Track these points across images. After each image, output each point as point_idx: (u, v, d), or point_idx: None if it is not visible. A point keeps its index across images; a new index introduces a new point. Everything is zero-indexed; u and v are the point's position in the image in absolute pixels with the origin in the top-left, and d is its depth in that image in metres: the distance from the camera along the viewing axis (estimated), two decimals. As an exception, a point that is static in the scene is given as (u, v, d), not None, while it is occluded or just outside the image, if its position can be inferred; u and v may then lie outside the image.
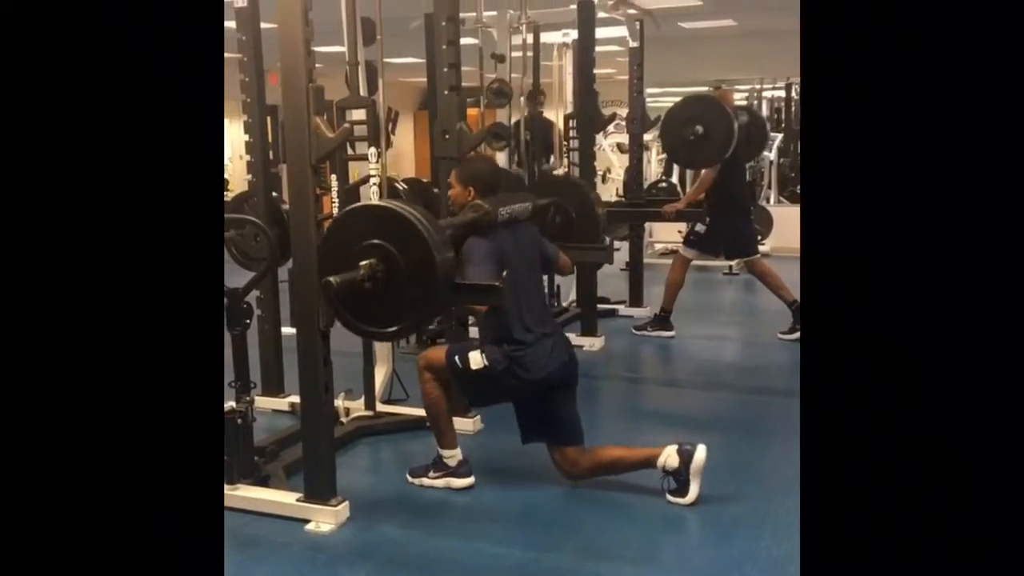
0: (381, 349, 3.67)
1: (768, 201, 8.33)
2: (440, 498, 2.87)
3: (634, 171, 5.67)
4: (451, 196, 2.93)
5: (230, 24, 3.21)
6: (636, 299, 5.64)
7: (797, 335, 4.71)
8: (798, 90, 8.73)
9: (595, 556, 2.48)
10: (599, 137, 6.43)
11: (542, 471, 2.99)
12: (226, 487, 2.71)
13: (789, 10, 1.53)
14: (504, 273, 2.63)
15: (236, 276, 2.89)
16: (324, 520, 2.64)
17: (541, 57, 5.21)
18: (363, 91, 3.28)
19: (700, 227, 4.93)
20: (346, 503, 2.68)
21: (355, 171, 3.41)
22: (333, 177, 3.13)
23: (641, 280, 5.67)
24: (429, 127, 3.49)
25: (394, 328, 2.47)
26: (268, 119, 3.51)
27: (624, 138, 6.49)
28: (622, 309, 5.62)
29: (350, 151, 3.24)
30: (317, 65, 2.54)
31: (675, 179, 7.50)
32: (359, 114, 3.09)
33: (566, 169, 5.26)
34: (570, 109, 5.43)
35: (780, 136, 8.57)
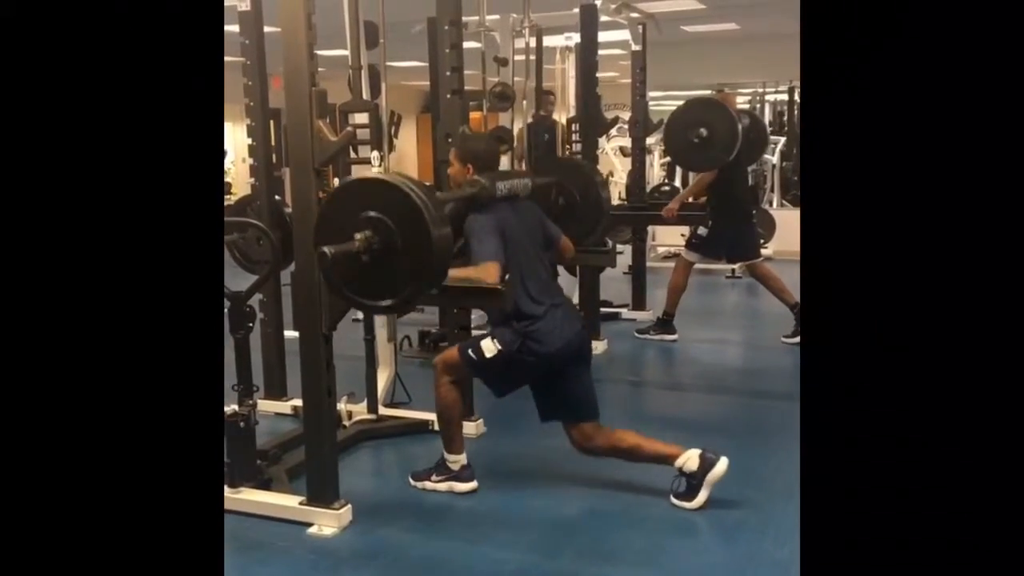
0: (384, 353, 3.67)
1: (771, 204, 8.33)
2: (443, 502, 2.87)
3: (637, 174, 5.67)
4: (450, 174, 2.93)
5: (233, 28, 3.22)
6: (639, 302, 5.64)
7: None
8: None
9: (598, 560, 2.47)
10: (602, 141, 6.44)
11: (544, 474, 2.99)
12: (228, 490, 2.71)
13: (791, 13, 1.53)
14: (507, 276, 2.62)
15: (239, 279, 2.89)
16: (326, 523, 2.64)
17: (544, 61, 5.21)
18: (366, 95, 3.28)
19: (702, 230, 4.92)
20: (348, 506, 2.68)
21: (358, 174, 3.41)
22: (336, 181, 3.14)
23: (644, 283, 5.66)
24: (432, 130, 3.49)
25: (388, 301, 2.43)
26: (271, 123, 3.52)
27: (627, 142, 6.50)
28: (625, 312, 5.61)
29: (353, 155, 3.25)
30: (320, 69, 2.55)
31: (678, 182, 7.51)
32: (362, 118, 3.10)
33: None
34: (573, 113, 5.44)
35: (783, 139, 8.56)
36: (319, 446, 2.67)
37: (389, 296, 2.41)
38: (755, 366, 4.76)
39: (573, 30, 5.12)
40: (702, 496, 2.71)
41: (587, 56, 4.81)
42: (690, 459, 2.72)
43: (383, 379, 3.63)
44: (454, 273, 2.55)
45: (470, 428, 3.36)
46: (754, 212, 5.51)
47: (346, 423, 3.46)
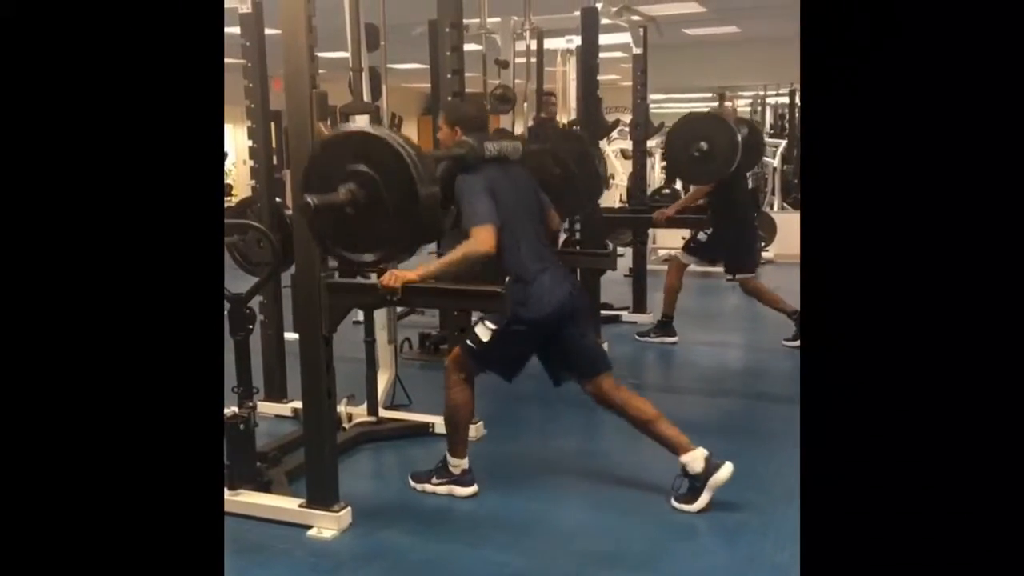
0: (384, 355, 3.67)
1: (772, 207, 8.33)
2: (443, 504, 2.87)
3: (637, 177, 5.67)
4: (439, 138, 2.92)
5: (234, 30, 3.22)
6: (639, 305, 5.64)
7: (801, 342, 4.70)
8: (801, 96, 8.71)
9: (598, 562, 2.47)
10: (603, 143, 6.44)
11: (545, 477, 2.99)
12: (228, 492, 2.70)
13: (791, 16, 1.53)
14: (507, 279, 2.62)
15: (239, 281, 2.89)
16: (326, 526, 2.63)
17: (545, 63, 5.21)
18: (367, 97, 3.28)
19: (702, 235, 4.92)
20: (348, 509, 2.68)
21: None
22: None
23: (644, 286, 5.66)
24: (432, 132, 3.49)
25: (371, 256, 2.40)
26: (272, 125, 3.52)
27: (628, 144, 6.50)
28: (625, 315, 5.61)
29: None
30: (320, 71, 2.55)
31: (679, 185, 7.50)
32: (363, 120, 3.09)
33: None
34: (574, 115, 5.44)
35: (784, 143, 8.57)
36: (319, 448, 2.67)
37: (372, 251, 2.38)
38: (756, 369, 4.76)
39: (574, 33, 5.13)
40: (703, 499, 2.71)
41: (588, 59, 4.82)
42: (696, 459, 2.72)
43: (383, 381, 3.63)
44: (446, 258, 2.54)
45: (470, 431, 3.35)
46: (755, 216, 5.51)
47: (346, 425, 3.45)
